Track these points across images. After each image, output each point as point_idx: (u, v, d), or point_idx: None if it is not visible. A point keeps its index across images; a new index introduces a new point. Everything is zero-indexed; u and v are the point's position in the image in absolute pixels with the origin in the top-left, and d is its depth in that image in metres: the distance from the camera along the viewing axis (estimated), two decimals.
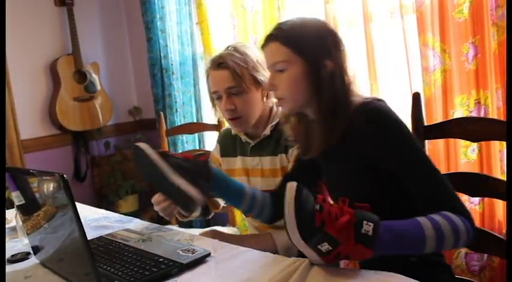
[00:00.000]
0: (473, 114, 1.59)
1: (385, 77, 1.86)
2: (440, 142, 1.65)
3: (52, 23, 3.00)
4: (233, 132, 1.47)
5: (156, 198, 1.23)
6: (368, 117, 1.01)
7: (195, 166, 1.12)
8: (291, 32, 1.05)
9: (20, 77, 2.85)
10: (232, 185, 1.20)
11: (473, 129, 1.17)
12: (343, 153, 1.07)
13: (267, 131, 1.38)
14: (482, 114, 1.56)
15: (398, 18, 1.75)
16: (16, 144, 2.81)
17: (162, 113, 2.32)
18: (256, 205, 1.20)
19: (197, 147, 2.68)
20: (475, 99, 1.58)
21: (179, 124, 2.70)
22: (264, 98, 1.38)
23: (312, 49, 1.03)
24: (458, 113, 1.61)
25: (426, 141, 1.66)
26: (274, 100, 1.17)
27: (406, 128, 1.02)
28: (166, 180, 1.09)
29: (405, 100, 1.78)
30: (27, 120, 2.90)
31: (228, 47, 1.39)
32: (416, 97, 1.27)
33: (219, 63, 1.33)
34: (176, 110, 2.76)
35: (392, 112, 1.02)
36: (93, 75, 3.05)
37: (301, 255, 0.94)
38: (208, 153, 1.14)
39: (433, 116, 1.66)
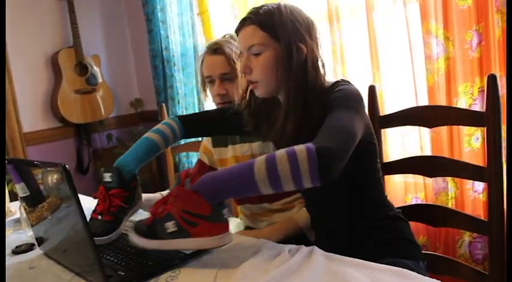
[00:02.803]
0: (477, 102, 1.58)
1: (387, 65, 1.84)
2: (444, 131, 1.65)
3: (53, 16, 2.99)
4: None
5: None
6: (333, 93, 1.02)
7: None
8: (268, 16, 1.06)
9: (22, 70, 2.85)
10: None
11: (429, 115, 1.24)
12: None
13: None
14: (485, 102, 1.55)
15: (401, 6, 1.73)
16: (18, 137, 2.82)
17: (163, 105, 2.31)
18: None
19: (199, 138, 2.67)
20: (479, 87, 1.57)
21: None
22: None
23: (287, 33, 1.04)
24: (462, 101, 1.60)
25: (428, 130, 1.67)
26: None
27: (355, 101, 1.01)
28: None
29: (408, 89, 1.78)
30: (29, 113, 2.90)
31: (225, 35, 1.43)
32: (371, 90, 1.37)
33: (214, 49, 1.37)
34: (178, 101, 2.75)
35: (355, 89, 1.04)
36: (95, 67, 3.04)
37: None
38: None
39: (437, 104, 1.65)
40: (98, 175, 3.21)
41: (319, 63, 1.08)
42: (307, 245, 0.99)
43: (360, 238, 1.10)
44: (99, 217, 1.13)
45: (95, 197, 1.19)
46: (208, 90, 1.45)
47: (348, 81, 1.08)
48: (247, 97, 1.18)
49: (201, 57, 1.44)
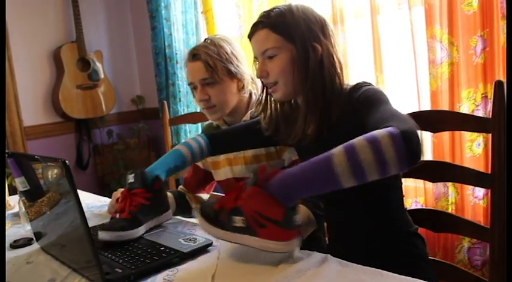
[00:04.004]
0: (480, 108, 1.57)
1: (391, 69, 1.84)
2: (446, 136, 1.64)
3: (56, 10, 2.98)
4: (214, 123, 1.50)
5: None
6: (358, 92, 1.01)
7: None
8: (280, 18, 1.05)
9: (24, 64, 2.85)
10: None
11: (434, 120, 1.22)
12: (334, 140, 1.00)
13: (247, 117, 1.40)
14: (488, 108, 1.55)
15: (406, 10, 1.73)
16: (19, 131, 2.82)
17: (165, 102, 2.31)
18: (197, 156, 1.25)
19: None
20: (482, 93, 1.56)
21: (182, 113, 2.69)
22: (240, 89, 1.41)
23: (301, 34, 1.03)
24: (465, 106, 1.59)
25: (430, 134, 1.66)
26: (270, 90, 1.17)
27: (387, 99, 0.99)
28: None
29: (411, 93, 1.77)
30: (30, 107, 2.90)
31: (205, 39, 1.43)
32: None
33: (193, 55, 1.38)
34: (179, 99, 2.75)
35: (381, 90, 1.03)
36: (97, 63, 3.04)
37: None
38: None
39: (439, 109, 1.65)
40: (97, 171, 3.21)
41: (336, 62, 1.06)
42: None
43: (375, 250, 1.07)
44: (117, 216, 1.13)
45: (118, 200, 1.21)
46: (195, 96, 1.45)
47: (371, 83, 1.06)
48: (263, 100, 1.17)
49: (185, 65, 1.45)
